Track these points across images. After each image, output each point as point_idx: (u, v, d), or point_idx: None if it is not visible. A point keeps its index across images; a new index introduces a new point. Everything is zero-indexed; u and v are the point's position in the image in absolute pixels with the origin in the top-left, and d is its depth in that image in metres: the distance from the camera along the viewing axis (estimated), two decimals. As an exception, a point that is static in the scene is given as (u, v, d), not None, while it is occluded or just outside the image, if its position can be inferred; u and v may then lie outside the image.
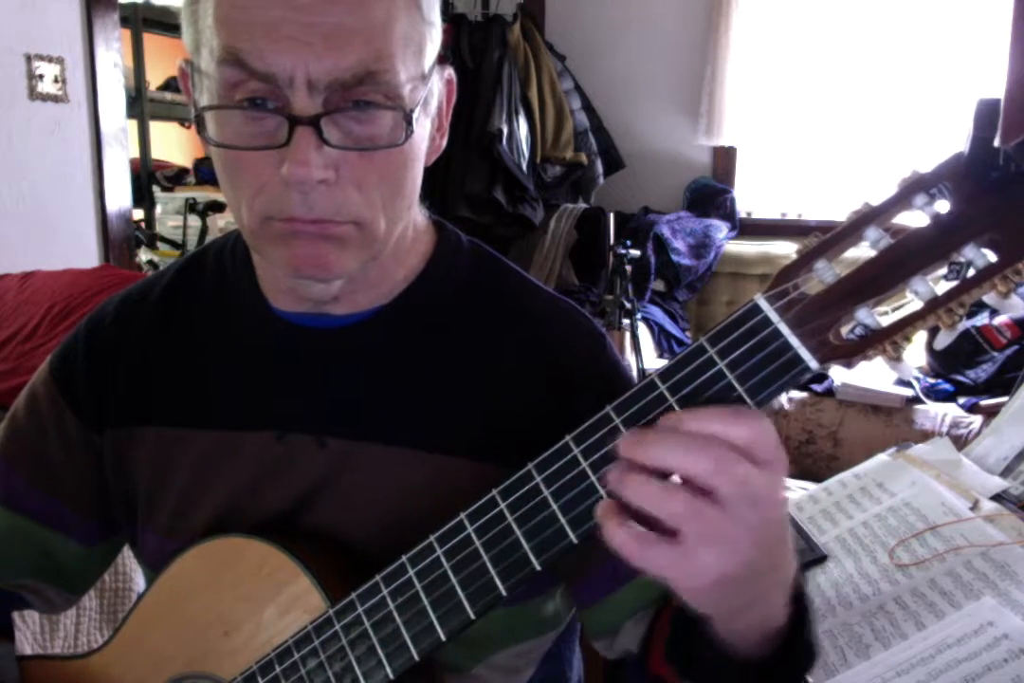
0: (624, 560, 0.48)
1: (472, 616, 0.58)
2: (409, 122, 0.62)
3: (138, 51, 4.14)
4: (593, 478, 0.53)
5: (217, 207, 4.38)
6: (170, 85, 4.68)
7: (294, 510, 0.73)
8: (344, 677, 0.63)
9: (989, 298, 0.46)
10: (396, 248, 0.72)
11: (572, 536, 0.54)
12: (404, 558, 0.61)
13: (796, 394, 3.07)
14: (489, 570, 0.57)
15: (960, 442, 2.40)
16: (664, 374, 0.52)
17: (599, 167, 4.01)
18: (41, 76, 2.80)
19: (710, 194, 3.94)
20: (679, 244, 3.73)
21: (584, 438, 0.54)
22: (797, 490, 1.45)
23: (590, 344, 0.75)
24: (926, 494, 1.20)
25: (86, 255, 3.01)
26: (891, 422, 2.89)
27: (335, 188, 0.62)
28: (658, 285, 3.75)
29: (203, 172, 5.01)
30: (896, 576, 1.08)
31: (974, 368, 2.90)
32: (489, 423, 0.72)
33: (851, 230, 0.49)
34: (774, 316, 0.49)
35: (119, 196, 3.11)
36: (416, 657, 0.60)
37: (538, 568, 0.55)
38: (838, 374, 2.92)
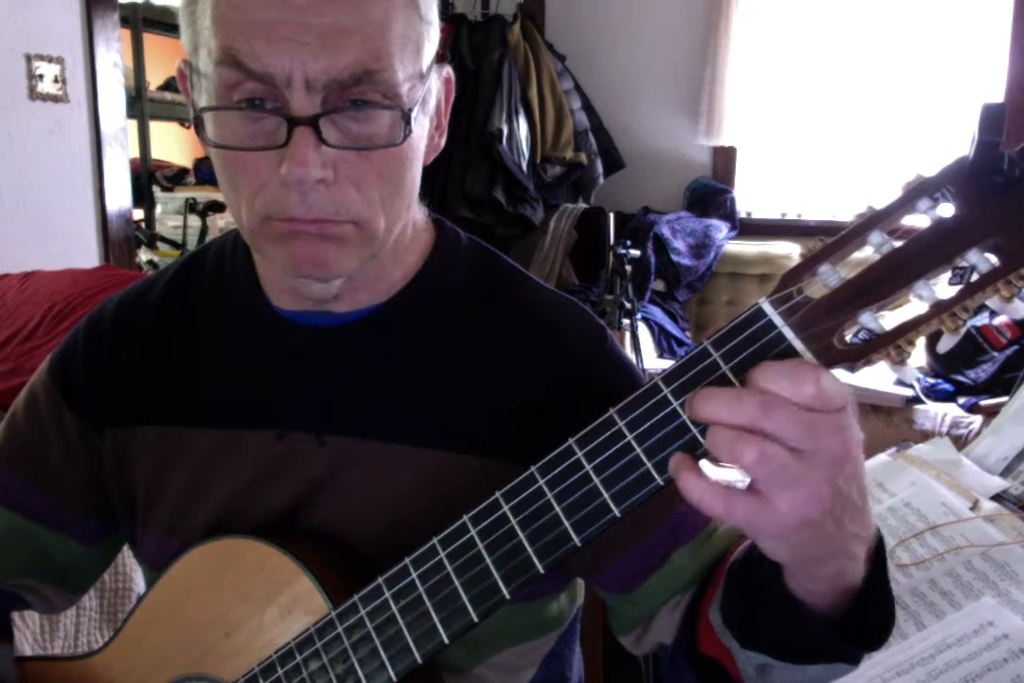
0: (700, 512, 0.49)
1: (475, 619, 0.58)
2: (407, 121, 0.62)
3: (138, 51, 4.14)
4: (596, 481, 0.53)
5: (217, 207, 4.37)
6: (170, 85, 4.67)
7: (295, 509, 0.73)
8: (347, 679, 0.63)
9: (992, 302, 0.46)
10: (396, 246, 0.72)
11: (576, 539, 0.54)
12: (407, 560, 0.61)
13: (796, 394, 3.06)
14: (492, 573, 0.57)
15: (960, 442, 2.40)
16: (668, 377, 0.52)
17: (599, 167, 4.00)
18: (41, 76, 2.80)
19: (710, 194, 3.94)
20: (679, 244, 3.72)
21: (587, 441, 0.54)
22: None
23: (591, 338, 0.75)
24: (926, 494, 1.20)
25: (86, 255, 3.00)
26: (891, 422, 2.89)
27: (334, 188, 0.62)
28: (658, 285, 3.75)
29: (203, 172, 5.01)
30: (896, 576, 1.08)
31: (974, 368, 2.90)
32: (490, 419, 0.72)
33: (855, 234, 0.49)
34: (778, 320, 0.49)
35: (119, 196, 3.11)
36: (419, 660, 0.60)
37: (542, 571, 0.55)
38: (839, 375, 2.92)
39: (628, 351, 2.99)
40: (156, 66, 4.40)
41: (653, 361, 3.29)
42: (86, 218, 3.03)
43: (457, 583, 0.58)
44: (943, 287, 0.47)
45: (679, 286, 3.75)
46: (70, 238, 2.98)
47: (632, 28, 4.06)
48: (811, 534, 0.49)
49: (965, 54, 3.40)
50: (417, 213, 0.77)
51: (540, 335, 0.74)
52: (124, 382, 0.80)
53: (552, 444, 0.55)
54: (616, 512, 0.53)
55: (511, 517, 0.56)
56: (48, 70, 2.82)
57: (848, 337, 0.49)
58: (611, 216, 3.70)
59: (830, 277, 0.49)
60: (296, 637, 0.65)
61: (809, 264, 0.49)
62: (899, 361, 0.47)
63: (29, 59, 2.77)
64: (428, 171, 0.71)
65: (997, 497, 1.17)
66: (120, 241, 3.12)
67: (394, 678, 0.61)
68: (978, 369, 2.89)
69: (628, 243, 3.08)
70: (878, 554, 0.57)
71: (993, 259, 0.45)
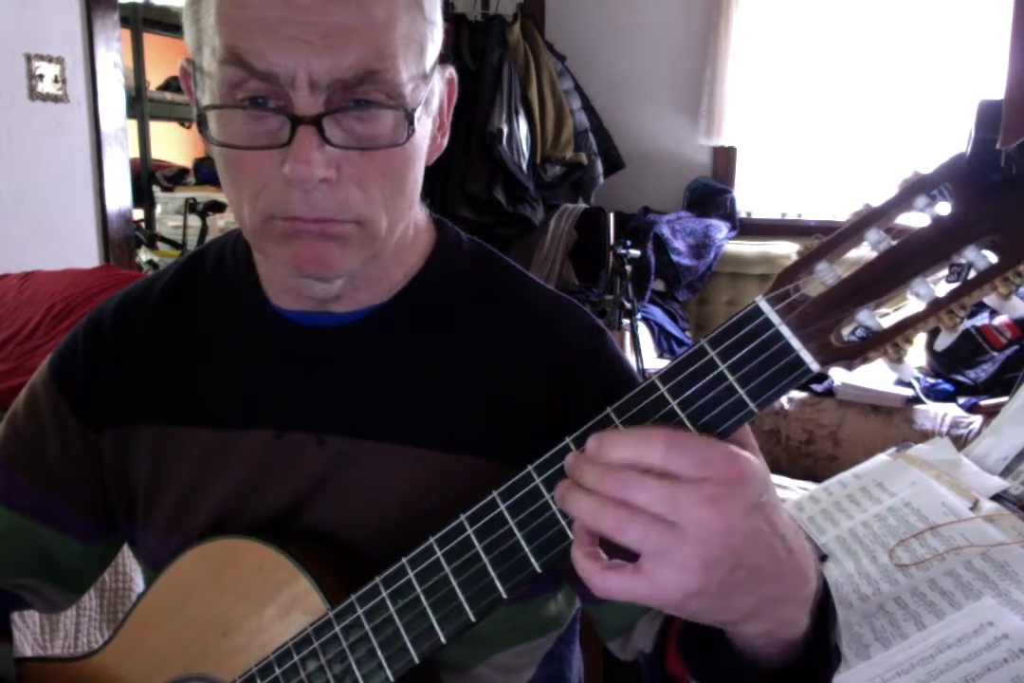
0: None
1: (472, 618, 0.58)
2: (411, 121, 0.62)
3: (138, 51, 4.14)
4: (594, 480, 0.53)
5: (217, 207, 4.37)
6: (170, 85, 4.68)
7: (293, 508, 0.73)
8: (344, 679, 0.62)
9: (990, 300, 0.46)
10: (397, 246, 0.72)
11: (573, 538, 0.54)
12: (404, 560, 0.61)
13: (796, 394, 3.07)
14: (490, 572, 0.57)
15: (960, 442, 2.40)
16: (665, 376, 0.52)
17: (599, 167, 4.01)
18: (41, 76, 2.80)
19: (710, 194, 3.94)
20: (679, 244, 3.73)
21: (585, 440, 0.53)
22: (797, 490, 1.45)
23: (590, 339, 0.75)
24: (926, 494, 1.20)
25: (86, 255, 3.00)
26: (891, 422, 2.89)
27: (337, 187, 0.62)
28: (658, 285, 3.75)
29: (203, 172, 5.01)
30: (896, 576, 1.08)
31: (974, 368, 2.90)
32: (489, 420, 0.72)
33: (852, 232, 0.48)
34: (775, 318, 0.49)
35: (119, 196, 3.11)
36: (416, 659, 0.60)
37: (539, 570, 0.55)
38: (838, 374, 2.92)
39: (628, 351, 2.99)
40: (156, 66, 4.41)
41: (653, 361, 3.30)
42: (86, 218, 3.03)
43: (454, 582, 0.58)
44: (940, 285, 0.47)
45: (679, 286, 3.75)
46: (70, 238, 2.98)
47: (632, 28, 4.07)
48: (708, 603, 0.49)
49: (965, 54, 3.40)
50: (419, 213, 0.77)
51: (539, 336, 0.74)
52: (124, 382, 0.79)
53: (551, 445, 0.55)
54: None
55: (508, 516, 0.56)
56: (48, 70, 2.82)
57: (846, 335, 0.48)
58: (611, 216, 3.70)
59: (827, 275, 0.49)
60: (293, 637, 0.65)
61: (806, 262, 0.49)
62: (897, 359, 0.47)
63: (29, 59, 2.77)
64: (428, 171, 0.71)
65: (997, 497, 1.17)
66: (120, 241, 3.12)
67: (391, 678, 0.61)
68: (978, 369, 2.89)
69: (628, 243, 3.09)
70: (824, 604, 0.57)
71: (991, 256, 0.45)
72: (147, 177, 4.22)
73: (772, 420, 3.09)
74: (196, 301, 0.80)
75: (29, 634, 1.58)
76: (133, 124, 3.80)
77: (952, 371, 2.94)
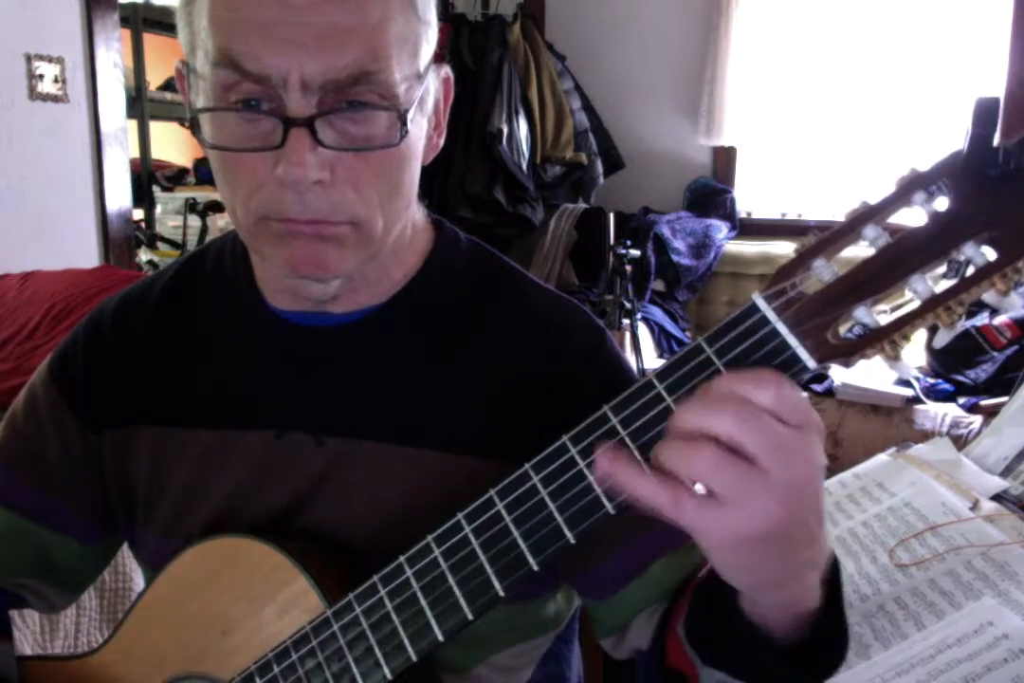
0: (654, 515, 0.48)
1: (470, 616, 0.58)
2: (404, 122, 0.62)
3: (138, 51, 4.14)
4: (591, 478, 0.53)
5: (217, 207, 4.37)
6: (170, 85, 4.67)
7: (293, 508, 0.73)
8: (342, 677, 0.62)
9: (988, 296, 0.46)
10: (395, 247, 0.72)
11: (569, 535, 0.54)
12: (402, 558, 0.61)
13: (796, 394, 3.06)
14: (486, 570, 0.57)
15: (960, 442, 2.40)
16: (661, 373, 0.52)
17: (599, 167, 4.01)
18: (41, 76, 2.80)
19: (710, 194, 3.94)
20: (679, 244, 3.72)
21: (581, 438, 0.53)
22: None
23: (590, 339, 0.75)
24: (926, 494, 1.20)
25: (86, 255, 3.00)
26: (891, 422, 2.89)
27: (331, 188, 0.62)
28: (658, 285, 3.75)
29: (203, 172, 5.01)
30: (896, 576, 1.08)
31: (974, 368, 2.90)
32: (489, 420, 0.72)
33: (849, 228, 0.48)
34: (772, 315, 0.49)
35: (119, 196, 3.11)
36: (414, 657, 0.60)
37: (535, 568, 0.55)
38: (838, 374, 2.92)
39: (628, 351, 2.99)
40: (156, 66, 4.40)
41: (653, 361, 3.30)
42: (86, 218, 3.03)
43: (452, 580, 0.58)
44: (939, 281, 0.47)
45: (679, 286, 3.75)
46: (70, 238, 2.98)
47: (632, 28, 4.07)
48: (763, 554, 0.49)
49: (964, 53, 3.40)
50: (417, 213, 0.77)
51: (539, 336, 0.74)
52: (124, 382, 0.80)
53: (551, 445, 0.55)
54: (609, 508, 0.52)
55: (505, 514, 0.56)
56: (48, 70, 2.82)
57: (843, 332, 0.48)
58: (611, 216, 3.70)
59: (824, 272, 0.48)
60: (292, 635, 0.65)
61: (803, 259, 0.49)
62: (894, 356, 0.47)
63: (29, 59, 2.77)
64: (428, 171, 0.71)
65: (997, 497, 1.17)
66: (120, 241, 3.12)
67: (389, 676, 0.61)
68: (978, 369, 2.89)
69: (628, 243, 3.09)
70: (832, 581, 0.57)
71: (989, 252, 0.45)
72: (147, 177, 4.22)
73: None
74: (196, 301, 0.80)
75: (29, 634, 1.58)
76: (133, 124, 3.80)
77: (952, 371, 2.94)
